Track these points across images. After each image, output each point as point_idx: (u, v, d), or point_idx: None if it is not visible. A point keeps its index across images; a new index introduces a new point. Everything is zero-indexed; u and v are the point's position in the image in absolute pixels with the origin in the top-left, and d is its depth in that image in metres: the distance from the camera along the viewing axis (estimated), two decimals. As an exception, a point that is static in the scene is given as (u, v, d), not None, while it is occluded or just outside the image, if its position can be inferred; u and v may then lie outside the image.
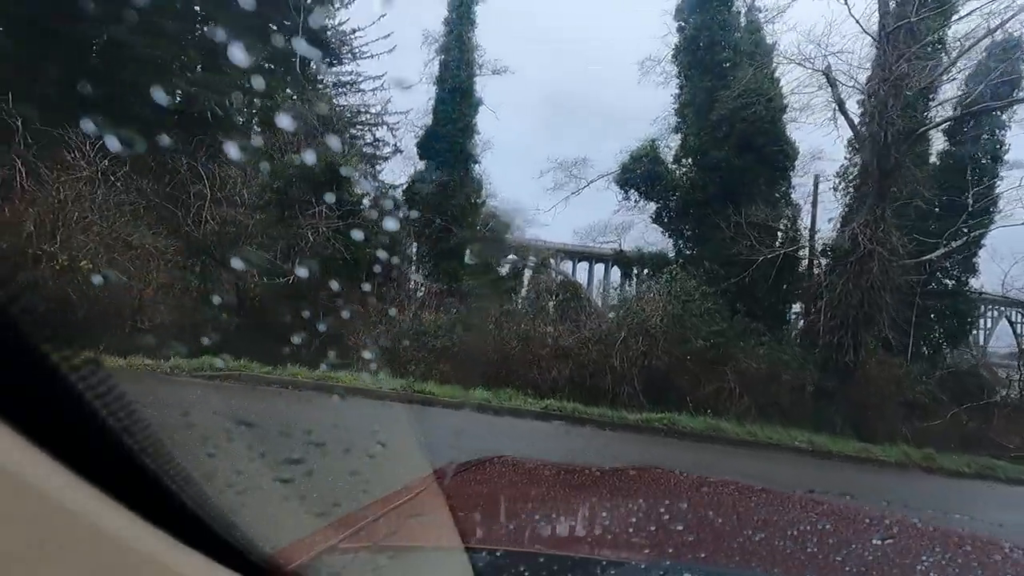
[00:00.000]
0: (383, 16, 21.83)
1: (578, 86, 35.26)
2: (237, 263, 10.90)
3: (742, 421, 9.17)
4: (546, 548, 0.98)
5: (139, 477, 0.48)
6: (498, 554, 0.87)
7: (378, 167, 24.31)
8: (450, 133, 19.63)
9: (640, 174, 14.92)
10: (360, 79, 24.17)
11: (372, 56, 23.35)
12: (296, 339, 10.21)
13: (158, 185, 9.74)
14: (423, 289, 14.42)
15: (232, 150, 11.48)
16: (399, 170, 23.99)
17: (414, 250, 17.94)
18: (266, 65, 17.40)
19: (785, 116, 14.28)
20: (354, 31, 21.84)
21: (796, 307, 14.65)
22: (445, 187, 18.67)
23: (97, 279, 7.28)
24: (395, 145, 25.38)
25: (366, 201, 13.41)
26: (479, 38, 20.09)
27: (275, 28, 18.46)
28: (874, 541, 1.22)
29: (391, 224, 15.97)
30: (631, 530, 1.13)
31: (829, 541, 1.22)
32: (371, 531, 1.00)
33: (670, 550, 1.01)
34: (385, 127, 26.19)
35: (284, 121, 15.82)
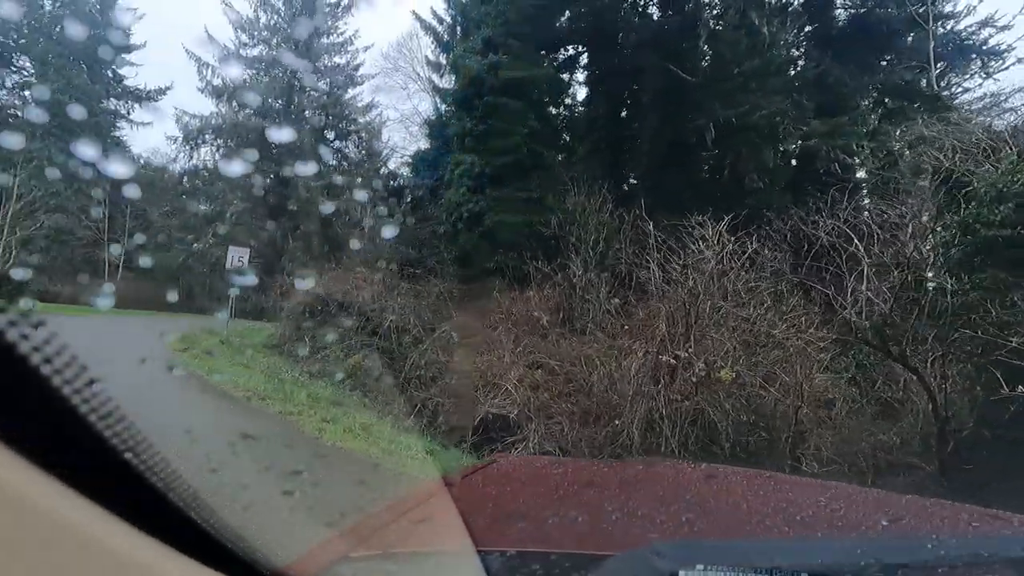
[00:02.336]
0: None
1: None
2: (923, 362, 6.85)
3: None
4: (557, 546, 0.94)
5: (147, 496, 0.48)
6: (510, 554, 0.86)
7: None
8: None
9: None
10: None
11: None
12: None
13: (796, 259, 7.19)
14: None
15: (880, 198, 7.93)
16: None
17: None
18: (882, 101, 13.44)
19: None
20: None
21: None
22: None
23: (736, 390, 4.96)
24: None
25: None
26: None
27: (886, 58, 14.40)
28: (882, 522, 1.20)
29: None
30: (641, 523, 1.12)
31: (838, 525, 1.19)
32: (382, 538, 0.99)
33: (680, 541, 0.98)
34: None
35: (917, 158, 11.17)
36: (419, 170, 19.24)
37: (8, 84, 28.23)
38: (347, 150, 34.16)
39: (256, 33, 31.05)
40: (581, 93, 15.60)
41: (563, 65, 14.23)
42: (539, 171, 11.38)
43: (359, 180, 33.63)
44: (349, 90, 33.52)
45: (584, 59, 14.54)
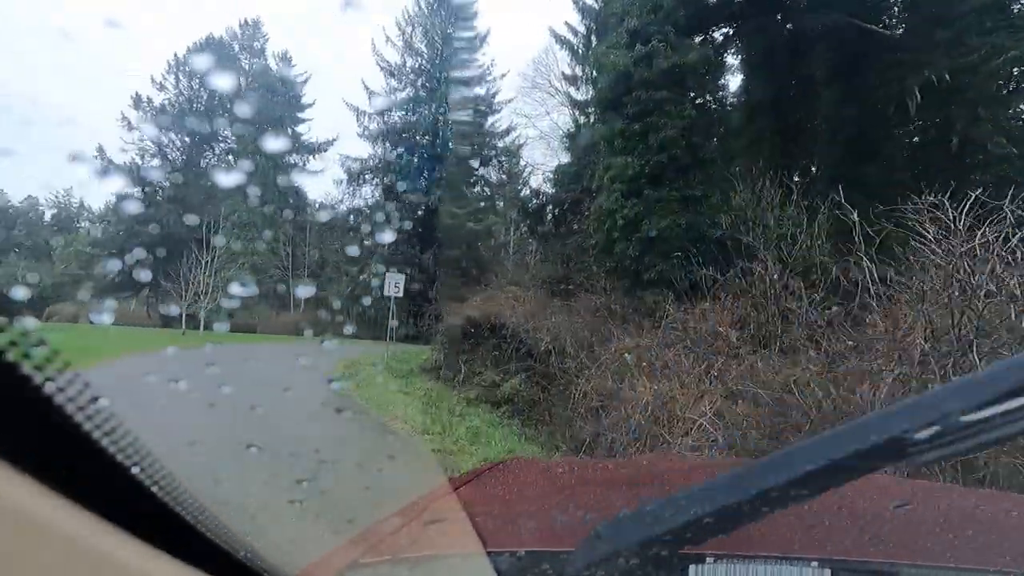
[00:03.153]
0: None
1: None
2: None
3: None
4: (568, 545, 0.83)
5: (156, 510, 0.49)
6: (520, 555, 0.85)
7: None
8: None
9: None
10: None
11: None
12: None
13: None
14: None
15: None
16: None
17: None
18: None
19: None
20: None
21: None
22: None
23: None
24: None
25: None
26: None
27: None
28: (890, 508, 1.17)
29: None
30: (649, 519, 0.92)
31: (850, 513, 1.12)
32: (391, 543, 1.00)
33: (689, 536, 0.81)
34: None
35: None
36: (561, 184, 18.75)
37: (217, 151, 33.91)
38: (489, 176, 35.30)
39: (404, 77, 33.62)
40: (738, 79, 13.85)
41: (718, 48, 12.67)
42: (699, 167, 10.01)
43: (499, 204, 34.41)
44: (488, 118, 34.70)
45: (741, 38, 12.83)
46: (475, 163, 35.13)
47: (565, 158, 20.31)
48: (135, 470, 0.47)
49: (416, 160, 33.20)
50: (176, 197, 31.88)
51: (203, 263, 18.91)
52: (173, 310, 20.91)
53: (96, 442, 0.44)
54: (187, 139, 32.44)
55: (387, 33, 33.40)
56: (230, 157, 33.61)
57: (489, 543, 0.87)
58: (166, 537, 0.48)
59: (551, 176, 20.64)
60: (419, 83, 33.54)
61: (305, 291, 33.11)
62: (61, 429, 0.41)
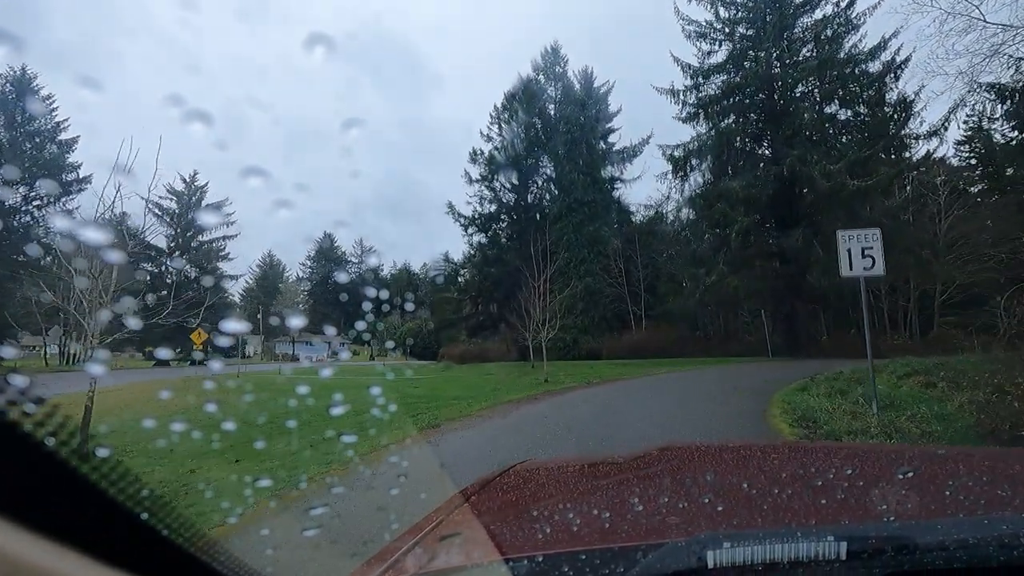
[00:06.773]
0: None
1: None
2: None
3: None
4: (584, 545, 0.90)
5: (166, 552, 0.50)
6: (538, 559, 0.84)
7: None
8: None
9: None
10: None
11: None
12: None
13: None
14: None
15: None
16: None
17: None
18: None
19: None
20: None
21: None
22: None
23: None
24: None
25: None
26: None
27: None
28: (898, 476, 1.20)
29: None
30: (664, 510, 1.11)
31: (859, 484, 1.20)
32: (409, 561, 0.99)
33: (704, 523, 0.98)
34: None
35: None
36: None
37: (539, 182, 34.52)
38: (859, 113, 25.54)
39: (718, 34, 27.57)
40: None
41: None
42: None
43: (894, 142, 24.26)
44: (845, 40, 25.32)
45: None
46: (835, 105, 25.90)
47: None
48: (144, 516, 0.47)
49: (753, 123, 26.32)
50: (512, 235, 33.17)
51: (535, 290, 17.10)
52: (521, 343, 19.88)
53: (104, 493, 0.44)
54: (514, 180, 33.83)
55: (689, -10, 28.14)
56: (550, 184, 33.62)
57: (506, 550, 0.87)
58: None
59: (1015, 60, 11.44)
60: (737, 34, 26.93)
61: (647, 305, 29.64)
62: (65, 485, 0.41)
